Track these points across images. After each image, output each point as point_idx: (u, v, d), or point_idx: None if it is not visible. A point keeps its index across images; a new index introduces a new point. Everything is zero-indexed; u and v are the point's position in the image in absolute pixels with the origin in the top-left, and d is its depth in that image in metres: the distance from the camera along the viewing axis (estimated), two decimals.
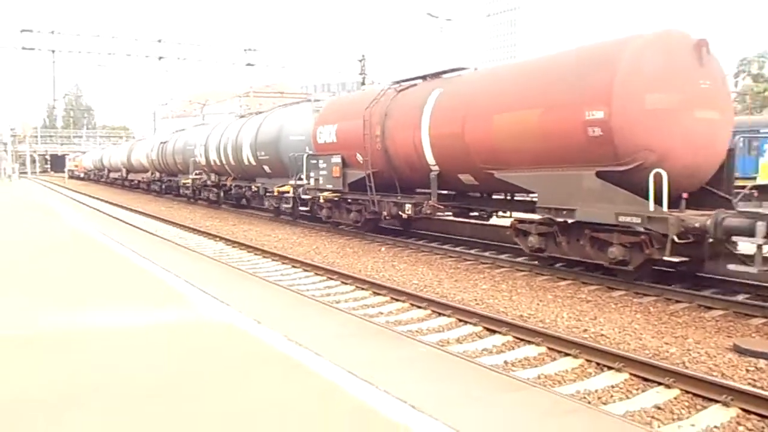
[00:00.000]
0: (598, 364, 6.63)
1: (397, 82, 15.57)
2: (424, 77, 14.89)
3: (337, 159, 16.68)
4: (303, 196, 18.75)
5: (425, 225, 17.14)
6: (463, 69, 14.27)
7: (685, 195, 9.45)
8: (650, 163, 9.27)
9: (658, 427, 5.21)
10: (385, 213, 15.53)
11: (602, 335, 7.64)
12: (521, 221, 12.04)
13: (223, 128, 26.24)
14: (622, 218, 9.58)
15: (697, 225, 8.83)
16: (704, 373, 6.17)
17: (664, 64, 9.49)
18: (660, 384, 6.00)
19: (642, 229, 9.46)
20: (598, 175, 9.83)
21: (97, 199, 36.14)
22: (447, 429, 3.88)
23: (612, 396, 5.91)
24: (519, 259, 12.60)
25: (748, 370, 6.35)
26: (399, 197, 14.98)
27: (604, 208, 9.81)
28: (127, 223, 20.31)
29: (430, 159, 13.49)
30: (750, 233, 8.17)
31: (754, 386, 5.90)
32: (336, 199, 17.25)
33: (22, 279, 9.03)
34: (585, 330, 7.89)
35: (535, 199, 11.45)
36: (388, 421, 4.03)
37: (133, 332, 6.17)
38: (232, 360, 5.39)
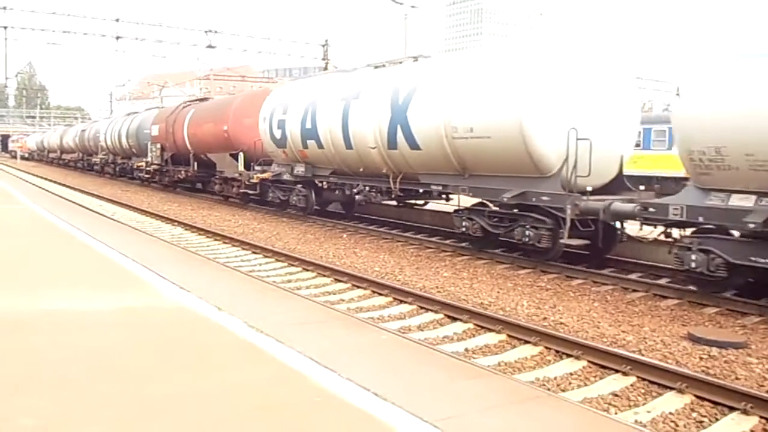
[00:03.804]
0: (557, 351, 6.72)
1: (185, 102, 27.02)
2: (199, 100, 27.40)
3: (158, 145, 27.62)
4: (147, 168, 29.36)
5: (382, 212, 17.19)
6: (209, 98, 28.41)
7: (253, 163, 19.54)
8: (243, 150, 20.15)
9: (615, 413, 5.30)
10: (176, 177, 26.48)
11: (561, 323, 7.74)
12: (226, 180, 21.84)
13: (115, 121, 36.65)
14: (238, 174, 20.50)
15: (261, 174, 18.87)
16: (659, 361, 6.30)
17: (252, 104, 20.15)
18: (617, 371, 6.11)
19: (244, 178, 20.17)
20: (230, 155, 21.07)
21: (45, 179, 35.63)
22: (409, 416, 3.88)
23: (570, 383, 5.99)
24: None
25: (701, 358, 6.51)
26: (180, 168, 25.77)
27: (233, 169, 20.87)
28: (79, 205, 19.80)
29: (189, 146, 24.24)
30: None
31: (707, 374, 6.05)
32: (162, 170, 27.95)
33: None
34: (544, 318, 7.98)
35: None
36: (351, 408, 4.00)
37: (90, 316, 6.02)
38: (190, 345, 5.30)
